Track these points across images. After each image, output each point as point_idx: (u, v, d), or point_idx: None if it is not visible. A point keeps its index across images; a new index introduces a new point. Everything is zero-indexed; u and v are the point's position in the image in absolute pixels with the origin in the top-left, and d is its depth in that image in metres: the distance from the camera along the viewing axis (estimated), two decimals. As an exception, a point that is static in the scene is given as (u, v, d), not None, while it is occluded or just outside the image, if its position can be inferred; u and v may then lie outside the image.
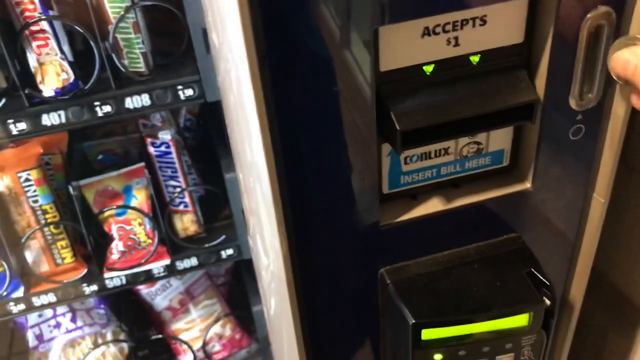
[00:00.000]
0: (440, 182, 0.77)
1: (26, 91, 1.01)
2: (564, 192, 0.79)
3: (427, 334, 0.73)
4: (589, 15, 0.65)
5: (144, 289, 1.42)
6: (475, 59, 0.68)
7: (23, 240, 1.16)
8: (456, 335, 0.73)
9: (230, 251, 1.28)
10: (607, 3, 0.65)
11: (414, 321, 0.72)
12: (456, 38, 0.66)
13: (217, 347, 1.44)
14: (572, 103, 0.71)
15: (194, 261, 1.27)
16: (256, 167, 0.68)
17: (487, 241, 0.79)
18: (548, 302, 0.74)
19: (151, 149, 1.22)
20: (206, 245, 1.26)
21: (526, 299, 0.74)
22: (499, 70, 0.69)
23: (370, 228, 0.73)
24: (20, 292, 1.19)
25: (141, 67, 1.08)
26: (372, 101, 0.65)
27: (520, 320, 0.74)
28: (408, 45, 0.65)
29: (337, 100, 0.64)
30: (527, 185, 0.78)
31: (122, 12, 1.02)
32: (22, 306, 1.20)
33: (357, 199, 0.71)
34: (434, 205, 0.76)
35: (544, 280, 0.74)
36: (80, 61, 1.05)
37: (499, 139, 0.77)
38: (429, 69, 0.67)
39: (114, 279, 1.23)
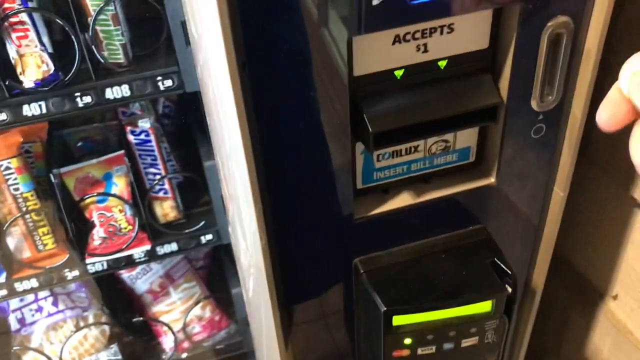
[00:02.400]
0: (411, 178, 0.82)
1: (6, 82, 1.02)
2: (526, 186, 0.84)
3: (398, 320, 0.78)
4: (549, 24, 0.69)
5: (124, 273, 1.45)
6: (442, 63, 0.72)
7: (5, 227, 1.18)
8: (425, 321, 0.78)
9: (209, 236, 1.31)
10: (566, 13, 0.69)
11: (385, 308, 0.77)
12: (425, 45, 0.70)
13: (197, 329, 1.48)
14: (534, 104, 0.76)
15: (174, 246, 1.30)
16: (236, 160, 0.72)
17: (454, 232, 0.84)
18: (510, 289, 0.79)
19: (131, 137, 1.24)
20: (186, 231, 1.30)
21: (489, 287, 0.79)
22: (465, 75, 0.73)
23: (345, 221, 0.77)
24: (2, 278, 1.21)
25: (121, 58, 1.09)
26: (347, 104, 0.69)
27: (484, 307, 0.79)
28: (380, 52, 0.69)
29: (314, 103, 0.68)
30: (492, 180, 0.82)
31: (102, 4, 1.03)
32: (4, 291, 1.23)
33: (333, 194, 0.75)
34: (404, 200, 0.80)
35: (506, 269, 0.79)
36: (59, 51, 1.06)
37: (466, 137, 0.81)
38: (399, 73, 0.71)
39: (95, 264, 1.26)
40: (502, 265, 0.79)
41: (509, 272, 0.79)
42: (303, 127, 0.69)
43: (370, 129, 0.69)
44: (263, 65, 0.64)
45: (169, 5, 1.02)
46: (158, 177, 1.27)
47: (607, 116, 0.46)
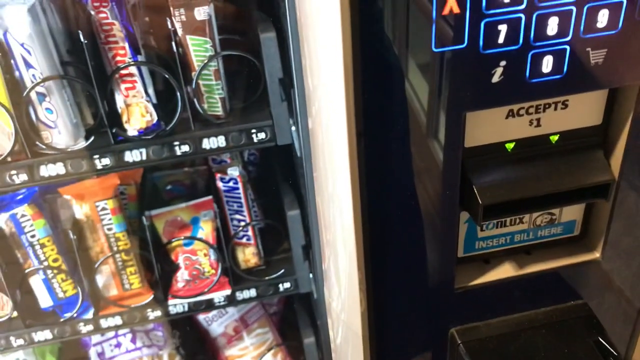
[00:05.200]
0: (513, 248, 0.81)
1: (113, 130, 1.08)
2: (633, 264, 0.82)
3: (494, 393, 0.76)
4: (668, 105, 0.68)
5: (201, 315, 1.47)
6: (554, 138, 0.72)
7: (96, 265, 1.23)
8: (522, 397, 0.76)
9: (287, 284, 1.33)
10: (687, 95, 0.68)
11: (481, 381, 0.76)
12: (538, 119, 0.70)
13: (269, 376, 1.48)
14: (647, 182, 0.74)
15: (252, 292, 1.32)
16: (342, 226, 0.73)
17: (555, 307, 0.82)
18: (614, 371, 0.76)
19: (220, 184, 1.28)
20: (265, 277, 1.31)
21: (592, 367, 0.77)
22: (576, 150, 0.72)
23: (444, 289, 0.77)
24: (90, 314, 1.26)
25: (219, 110, 1.14)
26: (457, 175, 0.69)
27: (587, 387, 0.76)
28: (493, 125, 0.69)
29: (425, 172, 0.68)
30: (597, 255, 0.80)
31: (206, 60, 1.08)
32: (90, 327, 1.27)
33: (434, 262, 0.75)
34: (505, 271, 0.79)
35: (611, 350, 0.76)
36: (160, 99, 1.11)
37: (572, 210, 0.80)
38: (510, 146, 0.71)
39: (177, 305, 1.29)
40: (606, 345, 0.77)
41: (615, 354, 0.76)
42: (411, 194, 0.70)
43: (480, 201, 0.69)
44: (378, 136, 0.65)
45: (268, 62, 1.06)
46: (243, 223, 1.30)
47: None
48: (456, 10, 0.58)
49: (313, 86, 0.76)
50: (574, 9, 0.60)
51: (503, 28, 0.60)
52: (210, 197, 1.29)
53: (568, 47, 0.62)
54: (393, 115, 0.64)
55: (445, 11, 0.58)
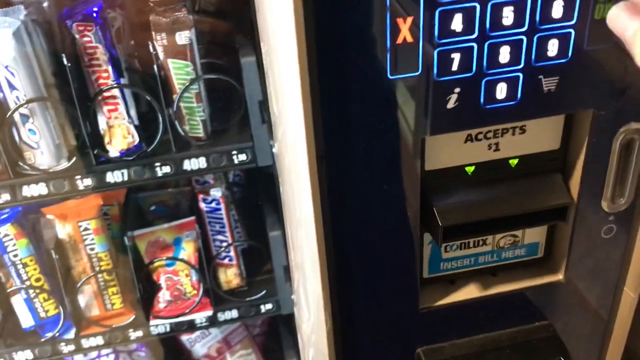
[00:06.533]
0: (478, 270, 0.82)
1: (95, 151, 1.10)
2: (596, 285, 0.83)
3: (458, 413, 0.77)
4: (621, 130, 0.70)
5: (183, 335, 1.47)
6: (514, 162, 0.74)
7: (79, 285, 1.24)
8: (486, 417, 0.77)
9: (269, 306, 1.33)
10: (639, 120, 0.70)
11: (446, 401, 0.76)
12: (497, 144, 0.72)
13: (251, 397, 1.48)
14: (604, 205, 0.76)
15: (234, 313, 1.32)
16: (308, 247, 0.74)
17: (520, 327, 0.83)
18: (576, 391, 0.77)
19: (202, 205, 1.29)
20: (247, 299, 1.32)
21: (555, 387, 0.78)
22: (535, 173, 0.74)
23: (409, 310, 0.78)
24: (71, 334, 1.26)
25: (200, 132, 1.16)
26: (417, 197, 0.71)
27: (548, 407, 0.77)
28: (452, 149, 0.71)
29: (386, 194, 0.70)
30: (560, 276, 0.82)
31: (187, 83, 1.10)
32: (71, 347, 1.27)
33: (399, 282, 0.77)
34: (471, 292, 0.81)
35: (572, 371, 0.78)
36: (142, 121, 1.13)
37: (534, 233, 0.81)
38: (470, 169, 0.73)
39: (158, 326, 1.29)
40: (568, 365, 0.78)
41: (577, 374, 0.77)
42: (374, 216, 0.72)
43: (440, 223, 0.70)
44: (339, 159, 0.67)
45: (248, 85, 1.08)
46: (225, 244, 1.31)
47: None
48: (410, 39, 0.60)
49: (278, 111, 0.78)
50: (525, 38, 0.62)
51: (456, 56, 0.62)
52: (192, 217, 1.30)
53: (521, 75, 0.64)
54: (353, 139, 0.66)
55: (399, 40, 0.60)
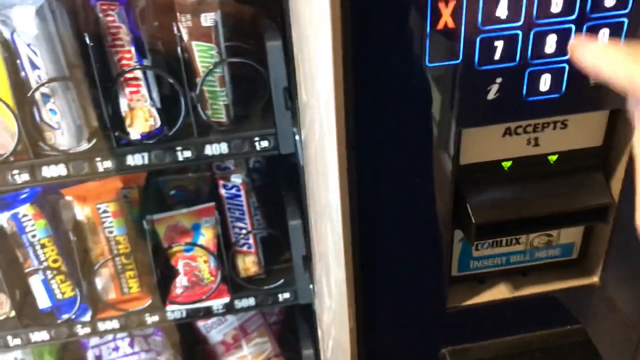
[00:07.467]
0: (509, 269, 0.79)
1: (116, 133, 1.08)
2: (632, 290, 0.80)
3: (483, 417, 0.74)
4: (670, 127, 0.66)
5: (200, 322, 1.46)
6: (553, 158, 0.70)
7: (96, 267, 1.23)
8: (513, 421, 0.74)
9: (287, 295, 1.31)
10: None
11: (471, 404, 0.74)
12: (536, 139, 0.68)
13: (266, 386, 1.47)
14: (648, 207, 0.72)
15: (251, 301, 1.31)
16: (333, 237, 0.72)
17: (551, 330, 0.80)
18: (608, 398, 0.74)
19: (222, 191, 1.27)
20: (265, 287, 1.30)
21: (586, 394, 0.75)
22: (575, 171, 0.70)
23: (436, 308, 0.75)
24: (87, 317, 1.26)
25: (222, 117, 1.13)
26: (451, 192, 0.68)
27: (578, 415, 0.74)
28: (489, 143, 0.68)
29: (418, 188, 0.67)
30: (595, 279, 0.78)
31: (211, 67, 1.08)
32: (87, 329, 1.27)
33: (427, 279, 0.74)
34: (500, 292, 0.77)
35: (606, 378, 0.75)
36: (165, 104, 1.11)
37: (570, 233, 0.78)
38: (507, 164, 0.69)
39: (175, 311, 1.28)
40: (601, 373, 0.75)
41: (610, 382, 0.74)
42: (404, 210, 0.69)
43: (472, 220, 0.67)
44: (371, 151, 0.64)
45: (273, 70, 1.05)
46: (244, 231, 1.29)
47: None
48: (451, 25, 0.57)
49: (307, 97, 0.75)
50: (573, 27, 0.59)
51: (499, 44, 0.58)
52: (212, 203, 1.28)
53: (567, 66, 0.61)
54: (386, 130, 0.63)
55: (440, 26, 0.57)
